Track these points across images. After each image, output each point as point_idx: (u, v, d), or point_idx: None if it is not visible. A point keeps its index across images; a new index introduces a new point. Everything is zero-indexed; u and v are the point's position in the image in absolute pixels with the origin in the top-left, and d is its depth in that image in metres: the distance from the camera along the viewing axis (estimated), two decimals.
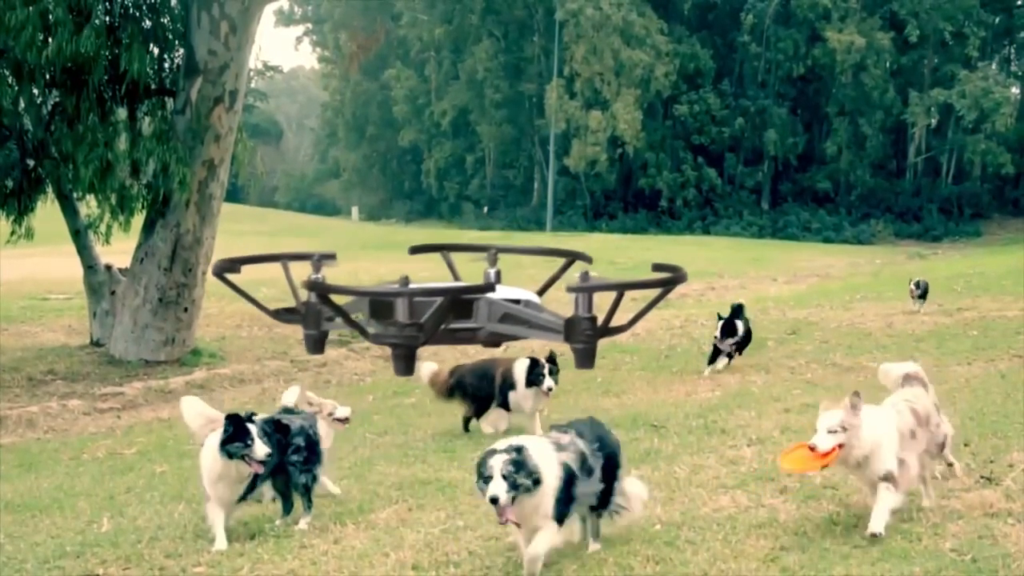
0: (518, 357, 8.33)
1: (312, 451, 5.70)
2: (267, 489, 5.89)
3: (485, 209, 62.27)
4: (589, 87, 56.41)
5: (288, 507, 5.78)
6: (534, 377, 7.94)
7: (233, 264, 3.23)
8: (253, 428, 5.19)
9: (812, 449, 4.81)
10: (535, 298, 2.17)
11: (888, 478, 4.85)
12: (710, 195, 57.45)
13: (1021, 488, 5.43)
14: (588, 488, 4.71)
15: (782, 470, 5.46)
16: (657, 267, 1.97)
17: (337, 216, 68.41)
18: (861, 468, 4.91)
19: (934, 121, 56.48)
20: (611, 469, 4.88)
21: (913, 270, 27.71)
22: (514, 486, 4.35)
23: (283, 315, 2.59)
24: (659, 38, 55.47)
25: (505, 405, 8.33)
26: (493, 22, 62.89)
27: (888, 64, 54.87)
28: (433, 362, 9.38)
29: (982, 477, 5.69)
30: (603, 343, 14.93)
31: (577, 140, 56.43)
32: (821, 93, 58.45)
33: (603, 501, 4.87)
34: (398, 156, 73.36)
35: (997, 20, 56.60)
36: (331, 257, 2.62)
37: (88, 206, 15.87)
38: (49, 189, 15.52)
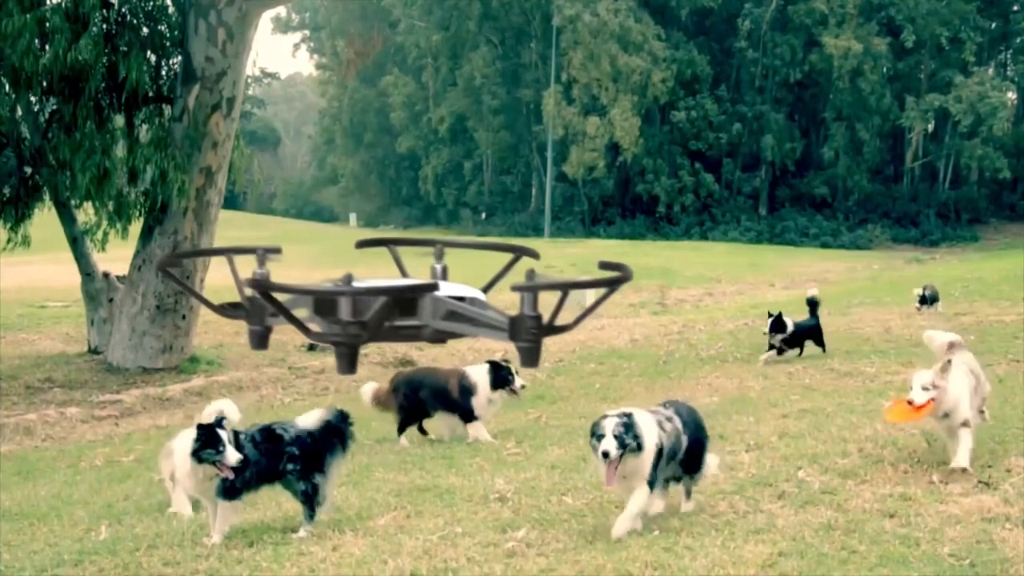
0: (461, 366, 8.50)
1: (312, 459, 5.69)
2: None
3: (483, 215, 62.31)
4: (587, 93, 56.53)
5: (311, 513, 5.73)
6: (501, 379, 8.20)
7: (176, 259, 3.26)
8: (224, 434, 5.35)
9: (910, 403, 5.79)
10: (480, 295, 2.20)
11: (966, 424, 5.91)
12: (708, 201, 57.55)
13: (1019, 493, 5.42)
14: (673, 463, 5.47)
15: (887, 421, 6.52)
16: (604, 265, 2.00)
17: (335, 223, 68.42)
18: (946, 419, 5.92)
19: (931, 126, 56.61)
20: (699, 445, 5.65)
21: (911, 275, 27.75)
22: (622, 445, 5.06)
23: (227, 310, 2.60)
24: (656, 44, 55.61)
25: (468, 414, 8.33)
26: (490, 29, 63.02)
27: (885, 69, 55.02)
28: (372, 381, 9.42)
29: (980, 482, 5.69)
30: (601, 349, 14.93)
31: (575, 146, 56.54)
32: (818, 99, 58.62)
33: (693, 468, 5.63)
34: (396, 163, 73.41)
35: (993, 25, 56.81)
36: (276, 251, 2.63)
37: (85, 213, 15.86)
38: (46, 196, 15.51)
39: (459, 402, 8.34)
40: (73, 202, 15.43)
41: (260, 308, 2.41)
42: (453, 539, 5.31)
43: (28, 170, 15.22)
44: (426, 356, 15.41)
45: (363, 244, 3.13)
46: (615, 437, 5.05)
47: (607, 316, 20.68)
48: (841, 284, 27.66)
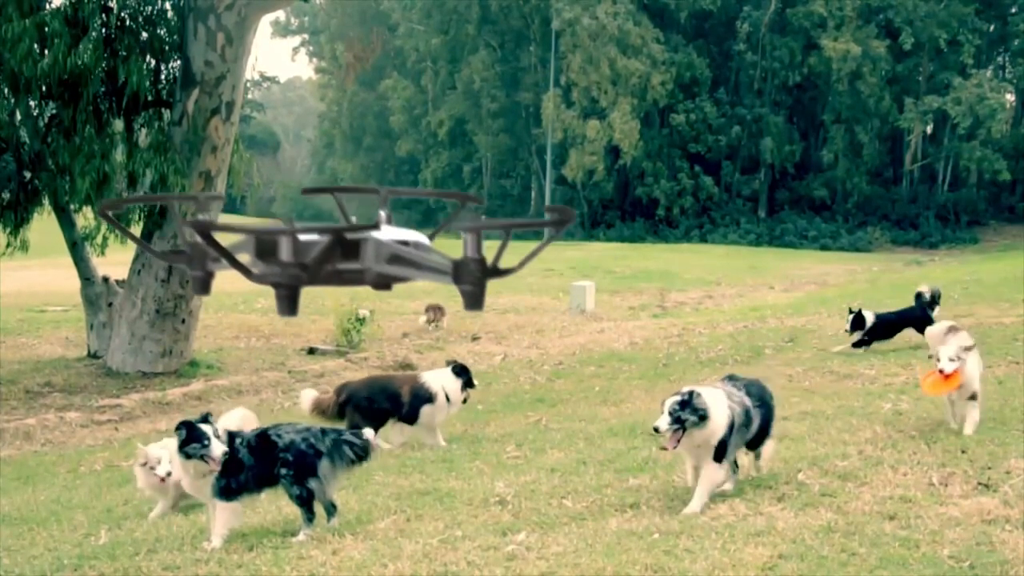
0: (418, 373, 8.65)
1: (306, 464, 5.71)
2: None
3: (482, 218, 62.16)
4: (586, 96, 56.56)
5: (309, 517, 5.75)
6: (467, 379, 8.50)
7: (116, 204, 3.29)
8: (208, 429, 5.51)
9: (941, 373, 6.72)
10: (425, 240, 2.20)
11: (975, 397, 6.95)
12: (707, 203, 57.56)
13: (1019, 495, 5.42)
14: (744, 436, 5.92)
15: (925, 394, 7.39)
16: (549, 209, 2.01)
17: None
18: (961, 388, 6.86)
19: (929, 128, 56.63)
20: (767, 422, 6.10)
21: (911, 277, 27.75)
22: (677, 421, 5.54)
23: (170, 256, 2.64)
24: (655, 47, 55.64)
25: (412, 419, 8.45)
26: (490, 32, 63.06)
27: (884, 72, 55.00)
28: (311, 388, 9.46)
29: (980, 484, 5.69)
30: (601, 352, 14.92)
31: (574, 149, 56.56)
32: (817, 101, 58.65)
33: (760, 442, 6.12)
34: (395, 166, 73.42)
35: (991, 28, 56.80)
36: (218, 198, 2.65)
37: (85, 218, 15.87)
38: (46, 201, 15.52)
39: (407, 406, 8.44)
40: (72, 207, 15.43)
41: (202, 253, 2.41)
42: (453, 543, 5.30)
43: (27, 174, 15.23)
44: (426, 359, 15.43)
45: (308, 191, 3.16)
46: (670, 414, 5.56)
47: (607, 319, 20.69)
48: (841, 287, 27.65)
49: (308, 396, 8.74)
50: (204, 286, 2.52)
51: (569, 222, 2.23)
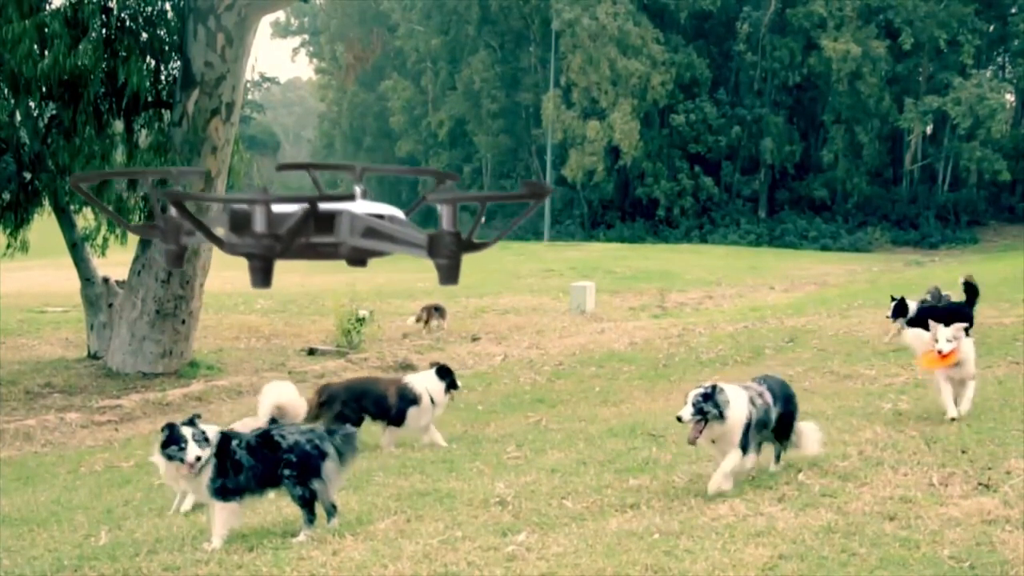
0: (401, 376, 8.72)
1: (310, 465, 5.72)
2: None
3: (483, 219, 62.23)
4: (586, 97, 56.55)
5: (310, 518, 5.76)
6: (452, 383, 8.57)
7: (87, 177, 3.30)
8: (188, 431, 5.60)
9: (939, 352, 7.36)
10: (400, 214, 2.19)
11: (972, 377, 7.59)
12: (707, 204, 57.54)
13: (1019, 495, 5.42)
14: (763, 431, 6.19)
15: (921, 369, 8.23)
16: (525, 183, 2.00)
17: None
18: (959, 368, 7.46)
19: (929, 129, 56.61)
20: (789, 416, 6.35)
21: (911, 277, 27.76)
22: (699, 412, 5.81)
23: (143, 229, 2.62)
24: (655, 48, 55.63)
25: (398, 421, 8.49)
26: (490, 33, 63.06)
27: (884, 72, 54.98)
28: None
29: (980, 484, 5.69)
30: (601, 352, 14.92)
31: (574, 150, 56.55)
32: (817, 101, 58.62)
33: (783, 435, 6.36)
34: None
35: (991, 28, 56.76)
36: (198, 173, 2.64)
37: (85, 219, 15.89)
38: (46, 202, 15.54)
39: (394, 409, 8.46)
40: (72, 207, 15.45)
41: (175, 226, 2.40)
42: (453, 543, 5.30)
43: (27, 175, 15.24)
44: (426, 360, 15.42)
45: (283, 167, 3.14)
46: (693, 405, 5.83)
47: (607, 319, 20.70)
48: (841, 287, 27.65)
49: None
50: (177, 259, 2.51)
51: (545, 195, 2.22)
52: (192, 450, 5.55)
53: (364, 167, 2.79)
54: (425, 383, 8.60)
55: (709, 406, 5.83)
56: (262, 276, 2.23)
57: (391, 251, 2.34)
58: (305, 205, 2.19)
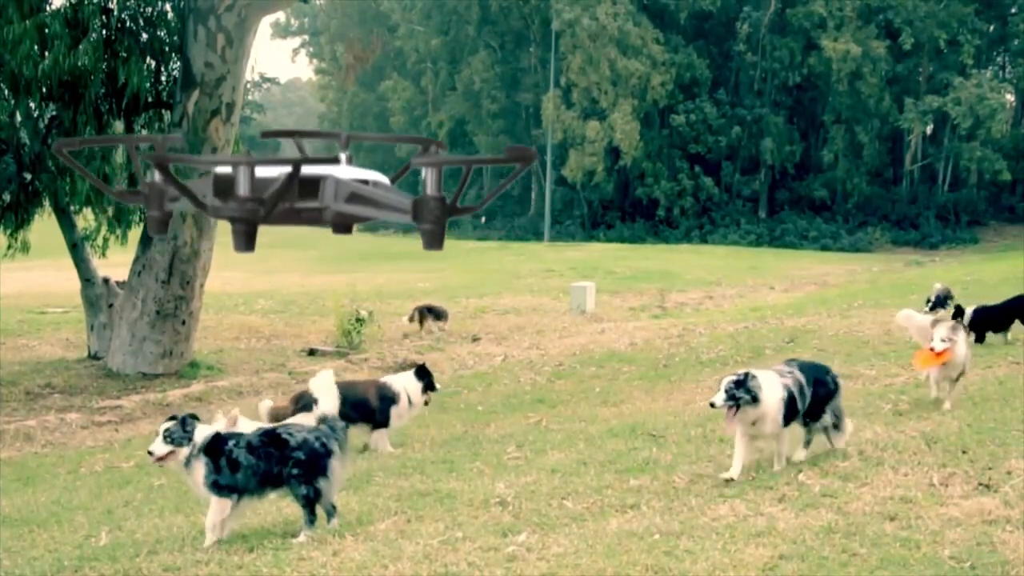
0: (379, 377, 8.73)
1: (318, 464, 5.71)
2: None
3: (483, 219, 62.34)
4: (586, 97, 56.55)
5: (311, 518, 5.76)
6: (429, 382, 8.62)
7: (71, 143, 3.30)
8: (167, 426, 5.81)
9: (932, 350, 7.73)
10: (384, 179, 2.18)
11: (964, 374, 8.04)
12: (707, 204, 57.52)
13: (1019, 495, 5.42)
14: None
15: (916, 367, 8.65)
16: (510, 149, 1.99)
17: None
18: (953, 367, 7.85)
19: (929, 128, 56.61)
20: (824, 397, 6.54)
21: (911, 277, 27.76)
22: (732, 398, 6.06)
23: (126, 195, 2.62)
24: (655, 48, 55.62)
25: (383, 423, 8.51)
26: (489, 33, 63.06)
27: (884, 72, 54.96)
28: (268, 399, 9.49)
29: (980, 484, 5.69)
30: (601, 353, 14.91)
31: (574, 150, 56.54)
32: (817, 101, 58.62)
33: (815, 416, 6.52)
34: (395, 167, 72.61)
35: (991, 28, 56.77)
36: (178, 140, 2.65)
37: (85, 219, 15.89)
38: (46, 202, 15.54)
39: (378, 411, 8.47)
40: (73, 208, 15.45)
41: (159, 192, 2.40)
42: (454, 544, 5.30)
43: (28, 176, 15.24)
44: (426, 360, 15.41)
45: (267, 135, 3.14)
46: (725, 391, 6.07)
47: (607, 319, 20.69)
48: (841, 287, 27.65)
49: (265, 407, 8.73)
50: (161, 226, 2.51)
51: (529, 160, 2.20)
52: (158, 447, 5.74)
53: (350, 135, 2.79)
54: (403, 383, 8.59)
55: (741, 392, 6.05)
56: (245, 240, 2.22)
57: (376, 216, 2.34)
58: (288, 168, 2.18)
